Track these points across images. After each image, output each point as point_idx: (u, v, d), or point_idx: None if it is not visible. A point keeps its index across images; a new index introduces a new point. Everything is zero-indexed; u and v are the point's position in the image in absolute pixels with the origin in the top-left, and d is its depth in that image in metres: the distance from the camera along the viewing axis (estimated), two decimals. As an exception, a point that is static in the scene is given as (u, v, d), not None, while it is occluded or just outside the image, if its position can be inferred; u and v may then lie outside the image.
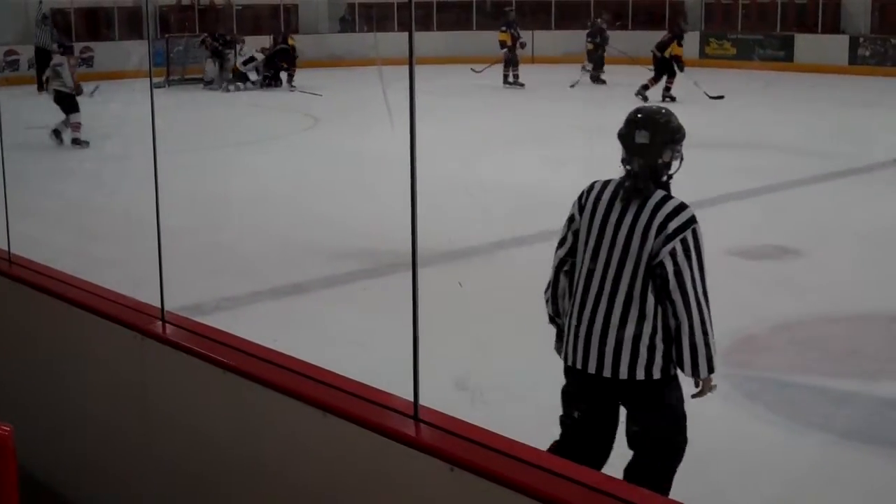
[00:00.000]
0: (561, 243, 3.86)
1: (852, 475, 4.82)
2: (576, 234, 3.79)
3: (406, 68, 2.84)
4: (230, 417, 3.49)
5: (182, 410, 3.74)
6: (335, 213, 10.18)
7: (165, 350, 3.74)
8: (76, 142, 14.89)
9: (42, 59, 21.67)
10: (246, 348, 3.54)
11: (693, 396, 3.74)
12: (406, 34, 2.92)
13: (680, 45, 19.43)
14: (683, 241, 3.56)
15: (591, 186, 3.80)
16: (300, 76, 23.45)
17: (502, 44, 22.58)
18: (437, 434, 2.83)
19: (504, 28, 22.72)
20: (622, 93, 20.07)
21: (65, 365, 4.45)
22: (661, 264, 3.55)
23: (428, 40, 27.22)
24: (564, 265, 3.85)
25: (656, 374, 3.63)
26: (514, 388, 5.52)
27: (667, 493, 3.67)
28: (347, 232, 9.41)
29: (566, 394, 3.85)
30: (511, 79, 22.84)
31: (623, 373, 3.63)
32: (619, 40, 23.63)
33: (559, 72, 23.97)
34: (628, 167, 3.73)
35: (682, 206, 3.62)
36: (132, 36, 26.34)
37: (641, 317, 3.61)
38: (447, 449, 2.74)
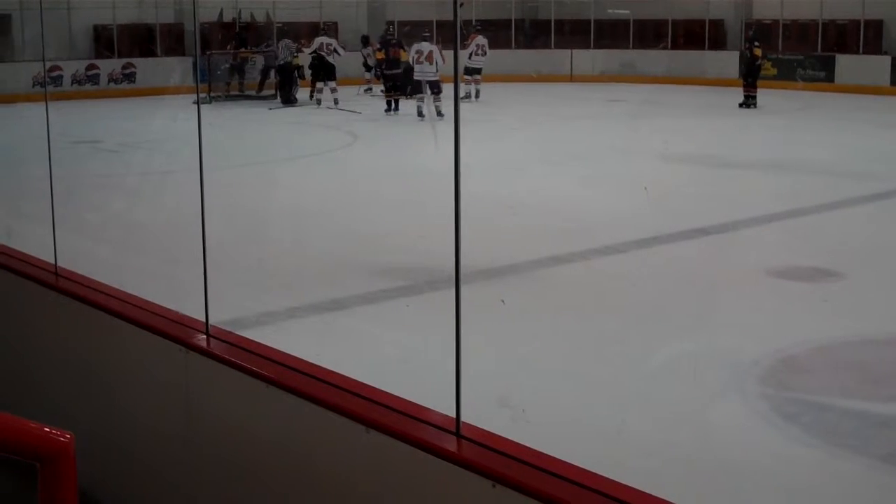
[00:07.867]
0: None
1: (891, 500, 4.80)
2: None
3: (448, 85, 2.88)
4: (273, 431, 3.52)
5: (226, 424, 3.78)
6: (376, 229, 10.22)
7: (210, 363, 3.77)
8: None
9: (286, 74, 23.58)
10: (289, 363, 3.57)
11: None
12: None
13: None
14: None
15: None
16: (341, 93, 23.55)
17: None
18: (479, 451, 2.84)
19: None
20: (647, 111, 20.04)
21: (110, 377, 4.50)
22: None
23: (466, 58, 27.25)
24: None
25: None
26: (555, 405, 5.53)
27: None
28: (388, 248, 9.45)
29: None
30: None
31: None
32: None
33: (597, 90, 23.98)
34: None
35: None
36: (174, 52, 26.62)
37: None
38: (489, 465, 2.74)
